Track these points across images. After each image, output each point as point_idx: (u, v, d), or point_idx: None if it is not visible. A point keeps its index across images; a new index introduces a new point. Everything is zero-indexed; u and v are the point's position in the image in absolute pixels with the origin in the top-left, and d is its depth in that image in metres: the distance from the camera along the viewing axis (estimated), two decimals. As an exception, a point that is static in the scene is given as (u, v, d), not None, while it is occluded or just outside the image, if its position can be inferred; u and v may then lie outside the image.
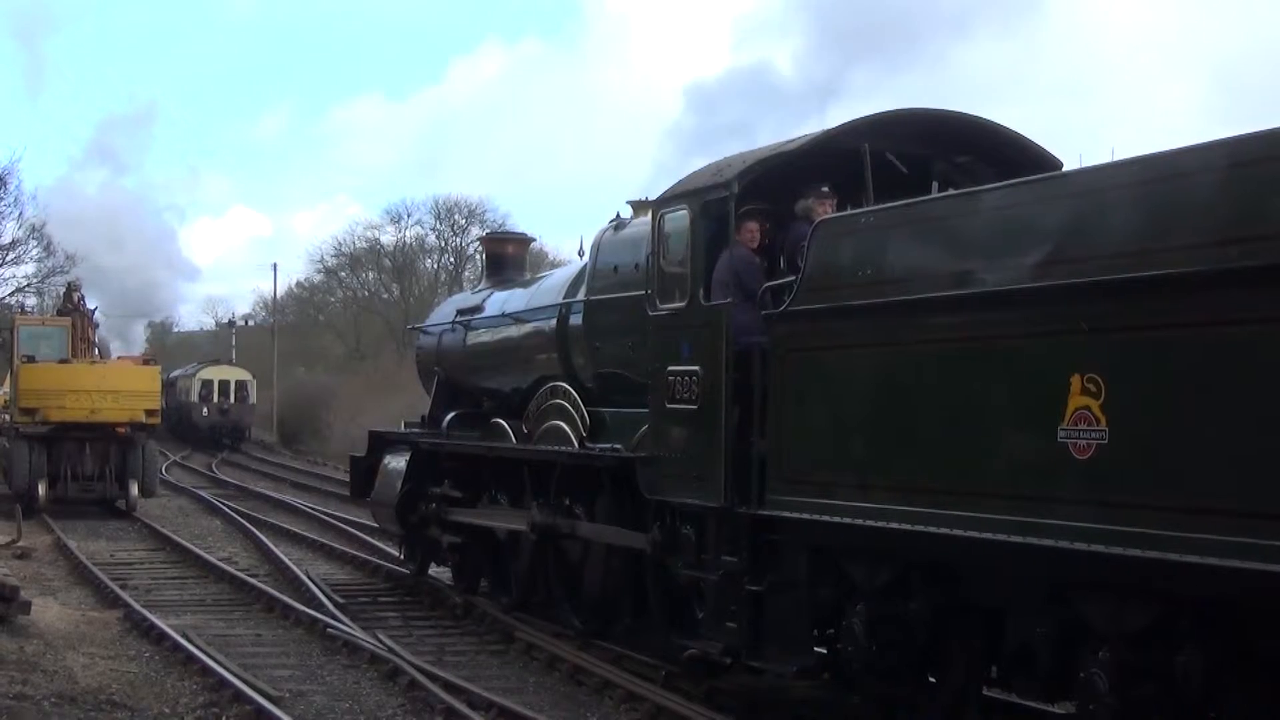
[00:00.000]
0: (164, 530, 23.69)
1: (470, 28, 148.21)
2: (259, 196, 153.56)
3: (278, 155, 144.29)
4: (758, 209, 10.80)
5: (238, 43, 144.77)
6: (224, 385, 54.02)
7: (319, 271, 73.93)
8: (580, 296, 13.66)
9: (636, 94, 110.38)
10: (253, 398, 55.06)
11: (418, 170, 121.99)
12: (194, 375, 54.81)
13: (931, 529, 8.26)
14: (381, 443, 17.30)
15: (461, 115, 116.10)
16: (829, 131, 10.53)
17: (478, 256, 55.19)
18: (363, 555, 19.90)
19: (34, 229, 43.74)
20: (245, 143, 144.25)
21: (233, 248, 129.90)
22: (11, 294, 46.47)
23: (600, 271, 13.32)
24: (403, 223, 69.52)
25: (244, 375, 55.59)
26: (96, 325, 32.17)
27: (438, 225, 68.95)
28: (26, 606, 14.01)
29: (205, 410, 52.73)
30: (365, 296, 72.73)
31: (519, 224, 65.49)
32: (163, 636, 13.63)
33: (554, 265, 31.72)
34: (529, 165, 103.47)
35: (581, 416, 13.45)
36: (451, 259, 68.61)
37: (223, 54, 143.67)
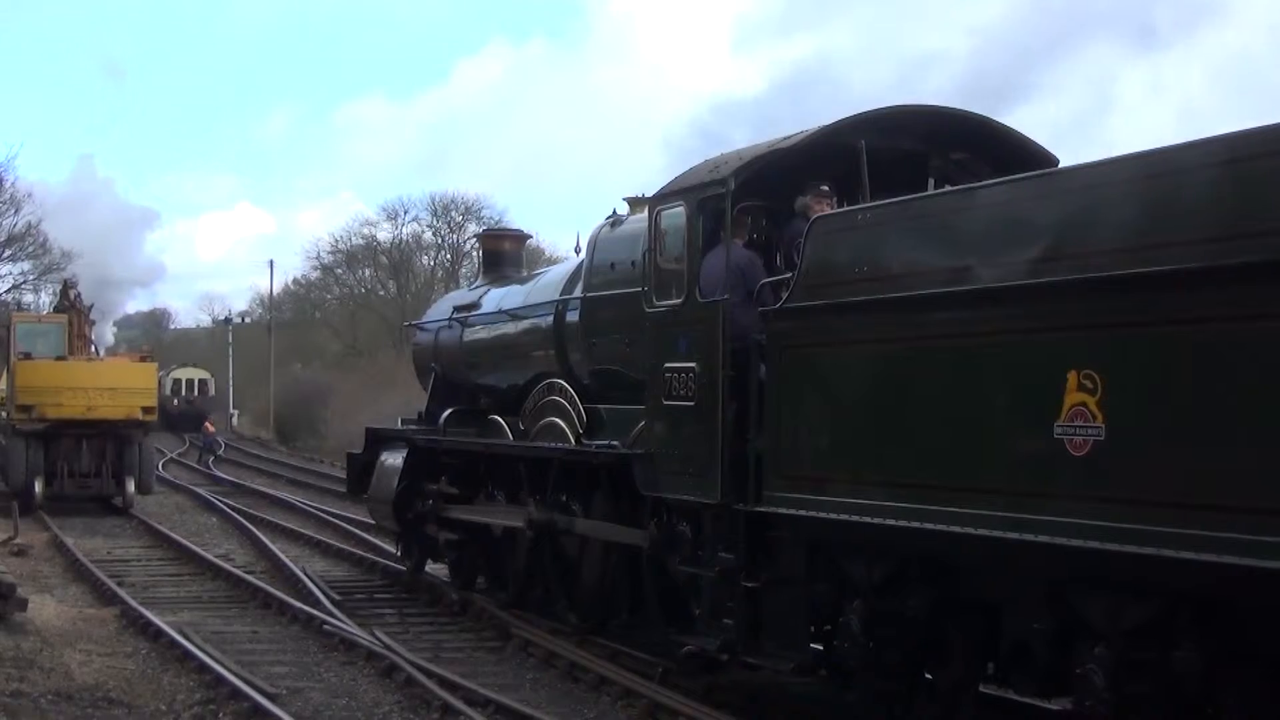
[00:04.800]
0: (161, 527, 23.69)
1: (476, 29, 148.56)
2: (264, 194, 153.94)
3: (284, 154, 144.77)
4: (755, 205, 10.79)
5: (244, 42, 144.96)
6: (189, 382, 69.67)
7: (315, 269, 73.99)
8: (577, 293, 13.65)
9: (637, 92, 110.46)
10: (212, 391, 70.53)
11: (422, 169, 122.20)
12: (167, 374, 65.45)
13: (928, 525, 8.25)
14: (378, 440, 17.28)
15: (466, 115, 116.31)
16: (826, 128, 10.49)
17: (475, 253, 55.16)
18: (359, 552, 19.90)
19: (30, 226, 43.78)
20: (251, 141, 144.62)
21: (238, 244, 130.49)
22: (8, 291, 46.52)
23: (597, 268, 13.31)
24: (399, 219, 69.49)
25: (205, 374, 71.00)
26: (93, 322, 32.14)
27: (435, 222, 68.90)
28: (23, 603, 14.00)
29: (175, 402, 65.68)
30: (362, 293, 72.63)
31: (516, 220, 65.23)
32: (159, 633, 13.63)
33: (550, 262, 31.71)
34: (531, 164, 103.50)
35: (578, 413, 13.44)
36: (448, 256, 68.51)
37: (229, 53, 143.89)
